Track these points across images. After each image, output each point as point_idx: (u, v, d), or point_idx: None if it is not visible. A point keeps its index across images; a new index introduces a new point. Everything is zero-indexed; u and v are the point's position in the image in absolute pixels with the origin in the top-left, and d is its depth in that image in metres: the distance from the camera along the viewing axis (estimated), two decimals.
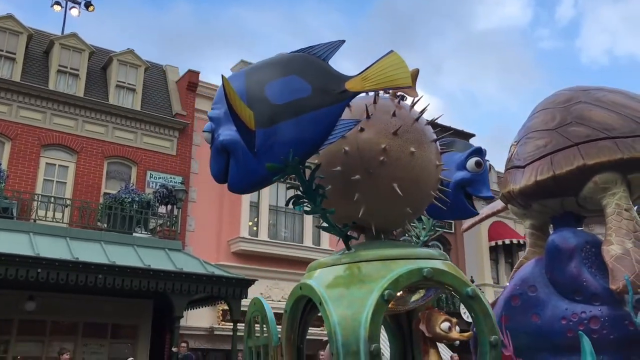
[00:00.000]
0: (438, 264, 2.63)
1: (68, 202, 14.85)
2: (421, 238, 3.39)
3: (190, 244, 16.67)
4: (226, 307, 14.99)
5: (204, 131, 2.80)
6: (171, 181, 16.36)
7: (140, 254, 13.13)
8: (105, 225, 14.29)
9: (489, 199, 3.49)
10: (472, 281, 18.47)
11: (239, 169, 2.63)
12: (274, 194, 18.71)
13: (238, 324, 13.91)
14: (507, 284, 4.56)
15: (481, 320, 2.53)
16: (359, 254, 2.69)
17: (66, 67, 16.89)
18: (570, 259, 3.90)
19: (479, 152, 3.42)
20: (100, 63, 18.20)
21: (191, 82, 18.48)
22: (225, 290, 13.34)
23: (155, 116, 17.54)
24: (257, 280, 14.66)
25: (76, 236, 13.16)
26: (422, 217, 3.28)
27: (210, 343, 16.62)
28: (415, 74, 2.77)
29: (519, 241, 22.43)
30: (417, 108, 3.00)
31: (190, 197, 17.28)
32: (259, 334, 2.97)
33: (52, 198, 14.59)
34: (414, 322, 2.77)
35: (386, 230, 2.95)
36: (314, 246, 18.99)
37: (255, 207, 18.25)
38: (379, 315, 2.39)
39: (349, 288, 2.53)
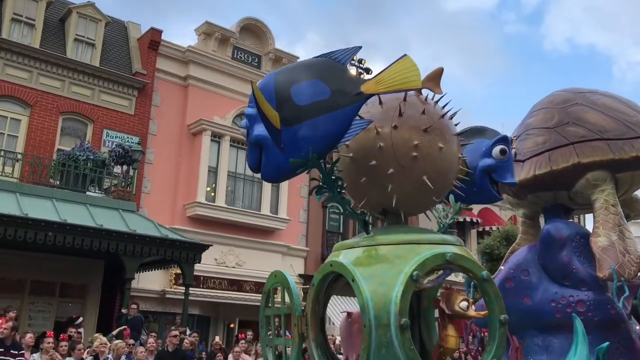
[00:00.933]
0: (457, 249, 2.91)
1: (19, 156, 14.39)
2: (447, 220, 3.58)
3: (144, 206, 16.44)
4: (179, 271, 14.92)
5: (241, 127, 3.13)
6: (128, 141, 15.99)
7: (93, 213, 12.88)
8: (58, 182, 13.93)
9: (512, 185, 3.71)
10: None
11: (268, 162, 2.93)
12: (233, 160, 18.56)
13: (190, 288, 13.91)
14: (501, 267, 4.88)
15: (493, 301, 2.85)
16: (384, 238, 2.98)
17: (21, 16, 16.19)
18: (562, 248, 4.28)
19: (505, 140, 3.58)
20: (58, 14, 17.51)
21: (153, 41, 18.00)
22: (178, 254, 13.25)
23: (114, 73, 17.05)
24: (211, 245, 14.62)
25: (27, 192, 12.80)
26: (451, 200, 3.49)
27: (161, 306, 16.57)
28: (439, 72, 2.99)
29: (472, 219, 22.97)
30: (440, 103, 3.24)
31: (147, 158, 16.97)
32: (278, 304, 3.22)
33: (2, 152, 14.11)
34: (433, 301, 3.05)
35: (410, 215, 3.27)
36: (271, 214, 18.99)
37: (213, 172, 18.08)
38: (408, 294, 2.67)
39: (380, 268, 2.81)
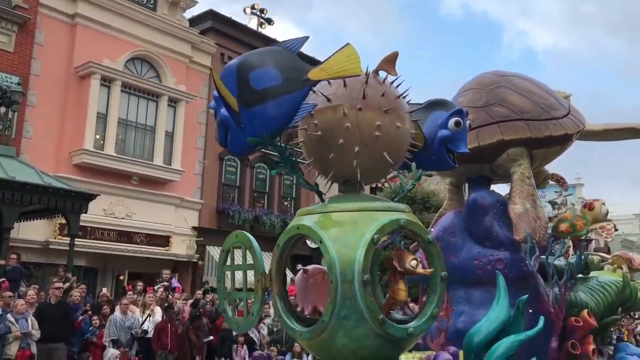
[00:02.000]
0: (408, 216, 3.34)
1: None
2: (408, 186, 3.93)
3: (25, 152, 15.35)
4: (64, 221, 14.19)
5: (210, 108, 3.55)
6: (6, 81, 14.73)
7: None
8: None
9: (465, 154, 4.02)
10: None
11: (232, 139, 3.33)
12: (124, 107, 17.69)
13: (76, 239, 13.31)
14: (431, 229, 5.36)
15: (435, 260, 3.31)
16: (345, 205, 3.38)
17: None
18: (485, 214, 4.83)
19: (460, 112, 3.89)
20: None
21: None
22: (63, 203, 12.58)
23: None
24: (99, 195, 14.01)
25: None
26: (413, 168, 3.81)
27: (45, 257, 15.75)
28: (395, 56, 3.39)
29: (285, 145, 23.57)
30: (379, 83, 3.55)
31: (29, 100, 15.75)
32: (238, 262, 3.56)
33: None
34: (386, 260, 3.42)
35: (368, 184, 3.73)
36: (164, 165, 18.43)
37: (103, 119, 17.16)
38: (369, 254, 3.10)
39: (343, 231, 3.21)
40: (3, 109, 13.78)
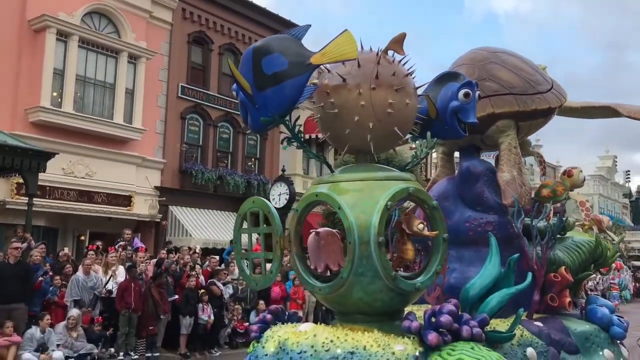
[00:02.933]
0: (415, 185, 3.74)
1: None
2: (422, 154, 4.28)
3: None
4: (21, 180, 13.81)
5: (232, 90, 3.96)
6: None
7: None
8: None
9: (474, 124, 4.35)
10: (284, 170, 19.19)
11: (251, 119, 3.75)
12: (82, 62, 17.12)
13: (34, 199, 13.00)
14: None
15: (439, 224, 3.74)
16: (358, 175, 3.77)
17: None
18: (477, 181, 5.20)
19: (469, 84, 4.21)
20: None
21: None
22: (20, 161, 12.23)
23: None
24: (57, 153, 13.65)
25: None
26: (427, 137, 4.14)
27: (2, 217, 15.37)
28: (403, 37, 3.68)
29: (294, 123, 23.58)
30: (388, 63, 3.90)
31: None
32: (255, 226, 3.96)
33: None
34: (396, 223, 3.86)
35: (378, 154, 4.01)
36: (124, 124, 18.03)
37: (60, 75, 16.58)
38: (383, 219, 3.51)
39: (359, 198, 3.61)
40: None
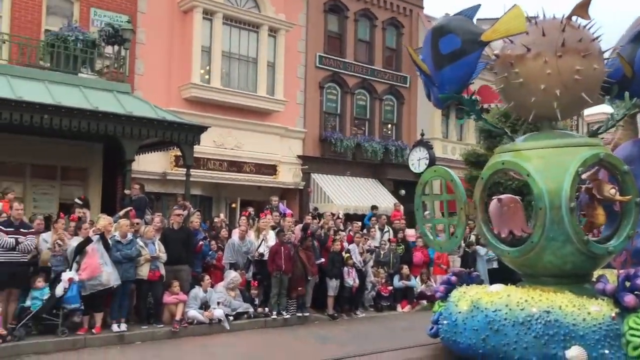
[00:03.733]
0: (605, 150, 3.85)
1: (6, 37, 13.86)
2: (619, 116, 4.34)
3: (139, 88, 16.13)
4: (178, 153, 14.97)
5: (417, 72, 4.38)
6: (117, 20, 15.35)
7: (87, 96, 12.63)
8: (49, 64, 13.53)
9: None
10: (422, 135, 18.93)
11: (432, 96, 4.06)
12: (227, 39, 17.98)
13: (190, 170, 14.03)
14: None
15: (630, 188, 3.80)
16: (544, 142, 3.88)
17: None
18: None
19: None
20: None
21: None
22: (177, 135, 13.18)
23: None
24: (210, 127, 14.54)
25: (18, 74, 12.46)
26: (625, 97, 4.17)
27: (163, 187, 16.81)
28: (588, 2, 3.71)
29: (470, 96, 22.71)
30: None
31: (138, 38, 16.40)
32: (437, 192, 4.33)
33: None
34: (586, 189, 3.93)
35: (564, 120, 4.25)
36: (267, 96, 18.74)
37: (207, 52, 17.57)
38: (575, 184, 3.61)
39: (548, 165, 3.72)
40: (116, 48, 14.45)
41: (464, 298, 3.91)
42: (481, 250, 14.36)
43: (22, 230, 8.95)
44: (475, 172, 17.02)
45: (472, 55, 3.79)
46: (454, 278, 4.43)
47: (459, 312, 3.92)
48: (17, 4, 14.70)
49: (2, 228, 8.79)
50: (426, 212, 4.29)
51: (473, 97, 4.15)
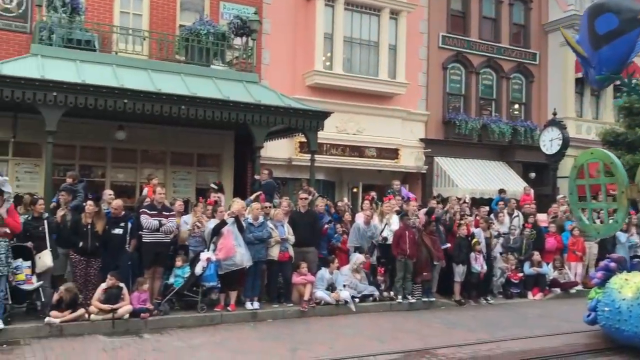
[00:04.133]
0: None
1: (146, 34, 14.94)
2: None
3: (265, 77, 16.71)
4: (302, 139, 15.35)
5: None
6: (244, 12, 16.00)
7: (220, 86, 13.32)
8: (184, 58, 14.42)
9: None
10: (555, 114, 17.88)
11: (589, 77, 3.99)
12: (348, 25, 18.07)
13: (315, 155, 14.34)
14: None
15: None
16: None
17: None
18: None
19: None
20: None
21: None
22: (302, 122, 13.53)
23: None
24: (333, 113, 14.74)
25: (157, 68, 13.40)
26: None
27: (289, 173, 17.35)
28: None
29: (630, 77, 21.09)
30: None
31: (264, 28, 16.96)
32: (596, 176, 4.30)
33: (131, 30, 14.71)
34: None
35: None
36: (389, 79, 18.63)
37: (329, 39, 17.78)
38: None
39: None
40: (244, 39, 15.06)
41: (628, 285, 3.68)
42: (622, 237, 13.39)
43: (164, 213, 9.69)
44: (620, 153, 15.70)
45: (631, 33, 3.76)
46: (613, 264, 4.20)
47: (623, 299, 3.73)
48: (154, 2, 15.78)
49: (147, 211, 9.57)
50: (581, 197, 4.38)
51: (633, 79, 4.08)
